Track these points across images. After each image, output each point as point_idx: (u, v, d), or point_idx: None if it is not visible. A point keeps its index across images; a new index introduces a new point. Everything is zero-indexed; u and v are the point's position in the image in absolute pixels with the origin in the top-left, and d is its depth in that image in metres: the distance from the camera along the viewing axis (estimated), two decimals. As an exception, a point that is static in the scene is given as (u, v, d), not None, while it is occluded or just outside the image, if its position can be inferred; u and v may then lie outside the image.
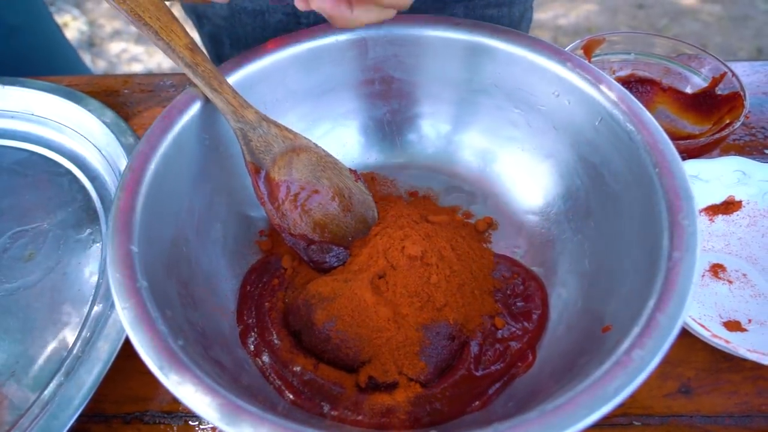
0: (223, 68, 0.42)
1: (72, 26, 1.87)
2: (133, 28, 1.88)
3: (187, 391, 0.27)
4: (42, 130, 0.56)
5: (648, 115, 0.37)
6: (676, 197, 0.33)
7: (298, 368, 0.37)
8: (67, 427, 0.35)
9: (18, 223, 0.49)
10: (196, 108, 0.40)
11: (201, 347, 0.34)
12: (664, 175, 0.34)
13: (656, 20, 1.83)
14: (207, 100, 0.40)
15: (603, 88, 0.39)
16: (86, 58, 1.78)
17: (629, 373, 0.27)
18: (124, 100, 0.60)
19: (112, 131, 0.52)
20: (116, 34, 1.89)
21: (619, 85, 0.39)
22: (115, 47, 1.86)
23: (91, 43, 1.86)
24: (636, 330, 0.29)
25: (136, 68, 1.79)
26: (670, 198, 0.33)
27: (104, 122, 0.53)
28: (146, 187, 0.36)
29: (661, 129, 0.36)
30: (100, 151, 0.53)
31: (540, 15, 1.84)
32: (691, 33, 1.78)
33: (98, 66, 1.79)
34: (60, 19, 1.86)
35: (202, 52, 0.40)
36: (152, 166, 0.37)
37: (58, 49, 0.85)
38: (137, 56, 1.83)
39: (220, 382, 0.29)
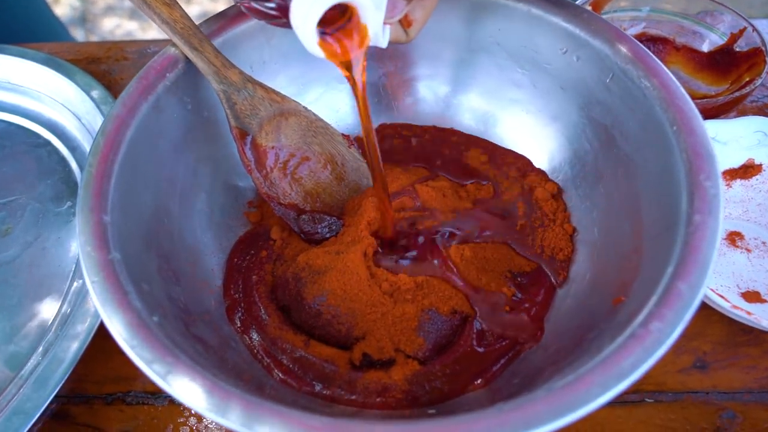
0: (204, 25, 0.39)
1: (63, 2, 1.83)
2: (126, 3, 1.83)
3: (161, 371, 0.25)
4: (20, 99, 0.53)
5: (664, 69, 0.34)
6: (696, 157, 0.30)
7: (287, 345, 0.34)
8: (43, 408, 0.33)
9: (-6, 196, 0.47)
10: (176, 69, 0.37)
11: (182, 324, 0.31)
12: (682, 133, 0.31)
13: (664, -12, 1.77)
14: (188, 61, 0.37)
15: (615, 42, 0.36)
16: (79, 33, 1.74)
17: (647, 347, 0.24)
18: (107, 68, 0.57)
19: (93, 100, 0.49)
20: (109, 10, 1.84)
21: (632, 38, 0.36)
22: (108, 23, 1.81)
23: (84, 18, 1.82)
24: (653, 300, 0.26)
25: (130, 44, 1.74)
26: (689, 158, 0.30)
27: (85, 91, 0.50)
28: (122, 154, 0.33)
29: (678, 84, 0.33)
30: (80, 120, 0.50)
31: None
32: (699, 0, 1.72)
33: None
34: (51, -6, 1.81)
35: (181, 8, 0.37)
36: (129, 132, 0.34)
37: (44, 24, 0.82)
38: (131, 32, 1.78)
39: (202, 362, 0.26)
